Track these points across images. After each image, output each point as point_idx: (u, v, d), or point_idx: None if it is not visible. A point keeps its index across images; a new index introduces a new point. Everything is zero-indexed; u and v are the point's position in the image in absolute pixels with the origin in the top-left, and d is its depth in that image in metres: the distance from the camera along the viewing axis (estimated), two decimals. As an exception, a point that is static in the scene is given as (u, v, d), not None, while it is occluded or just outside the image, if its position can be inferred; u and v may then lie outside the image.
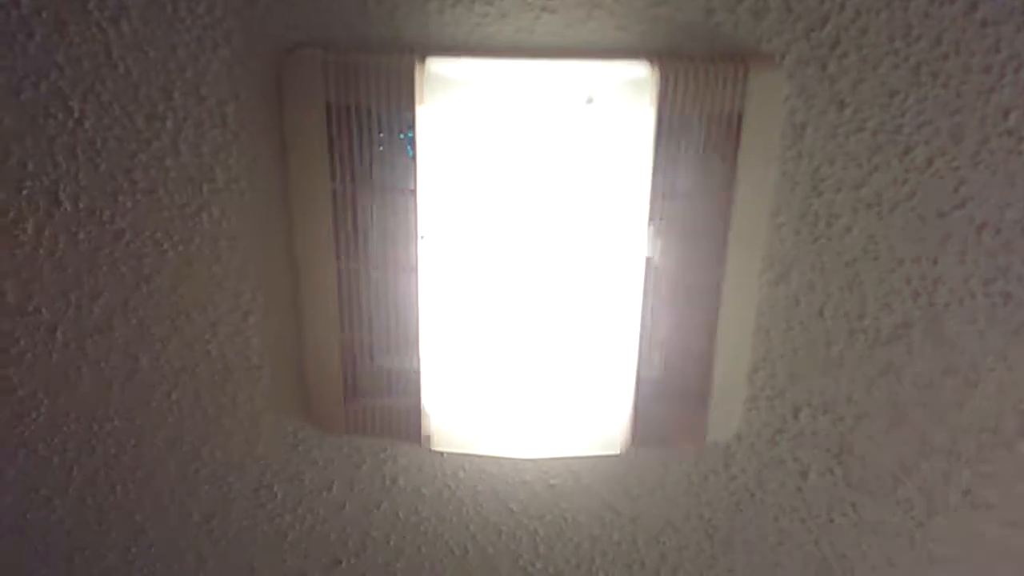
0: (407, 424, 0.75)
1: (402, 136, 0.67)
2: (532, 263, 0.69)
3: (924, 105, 0.67)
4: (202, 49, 0.66)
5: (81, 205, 0.71)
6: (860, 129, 0.68)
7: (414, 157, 0.66)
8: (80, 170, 0.70)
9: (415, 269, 0.70)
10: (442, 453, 0.78)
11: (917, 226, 0.71)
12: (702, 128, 0.66)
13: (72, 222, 0.71)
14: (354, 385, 0.75)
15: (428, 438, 0.75)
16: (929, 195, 0.70)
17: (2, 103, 0.67)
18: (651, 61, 0.64)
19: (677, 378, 0.75)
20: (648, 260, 0.71)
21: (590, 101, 0.63)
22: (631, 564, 0.85)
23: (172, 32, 0.65)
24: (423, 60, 0.64)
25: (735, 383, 0.76)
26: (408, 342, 0.73)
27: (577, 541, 0.85)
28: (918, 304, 0.73)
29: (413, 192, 0.67)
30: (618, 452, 0.75)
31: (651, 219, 0.69)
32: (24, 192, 0.70)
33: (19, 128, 0.68)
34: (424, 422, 0.75)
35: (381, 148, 0.67)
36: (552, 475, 0.82)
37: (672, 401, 0.75)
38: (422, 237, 0.68)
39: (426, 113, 0.64)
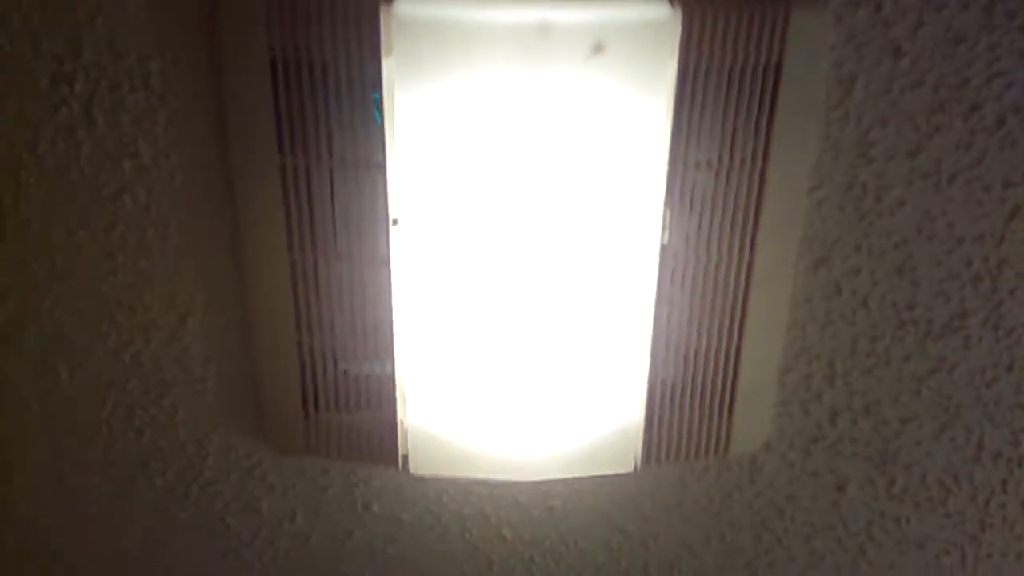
0: (380, 443, 0.64)
1: (366, 97, 0.55)
2: (526, 250, 0.58)
3: (997, 53, 0.56)
4: (115, -9, 0.53)
5: (-25, 188, 0.58)
6: (919, 83, 0.57)
7: (382, 123, 0.54)
8: (-29, 145, 0.57)
9: (386, 260, 0.58)
10: (423, 476, 0.66)
11: (981, 198, 0.60)
12: (732, 83, 0.55)
13: (-35, 209, 0.59)
14: (316, 398, 0.63)
15: (405, 459, 0.64)
16: (997, 162, 0.59)
17: None
18: (672, 1, 0.52)
19: (697, 382, 0.64)
20: (664, 245, 0.59)
21: (597, 50, 0.51)
22: (642, 591, 0.75)
23: (76, -30, 0.53)
24: (390, 0, 0.52)
25: (764, 386, 0.65)
26: (379, 347, 0.61)
27: (579, 569, 0.74)
28: (979, 290, 0.63)
29: (382, 167, 0.56)
30: (629, 470, 0.65)
31: (668, 195, 0.58)
32: (-97, 173, 0.58)
33: None
34: (400, 440, 0.63)
35: (340, 112, 0.55)
36: (551, 496, 0.71)
37: (691, 408, 0.65)
38: (394, 222, 0.57)
39: (395, 67, 0.52)
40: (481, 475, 0.64)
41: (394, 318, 0.60)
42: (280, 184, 0.57)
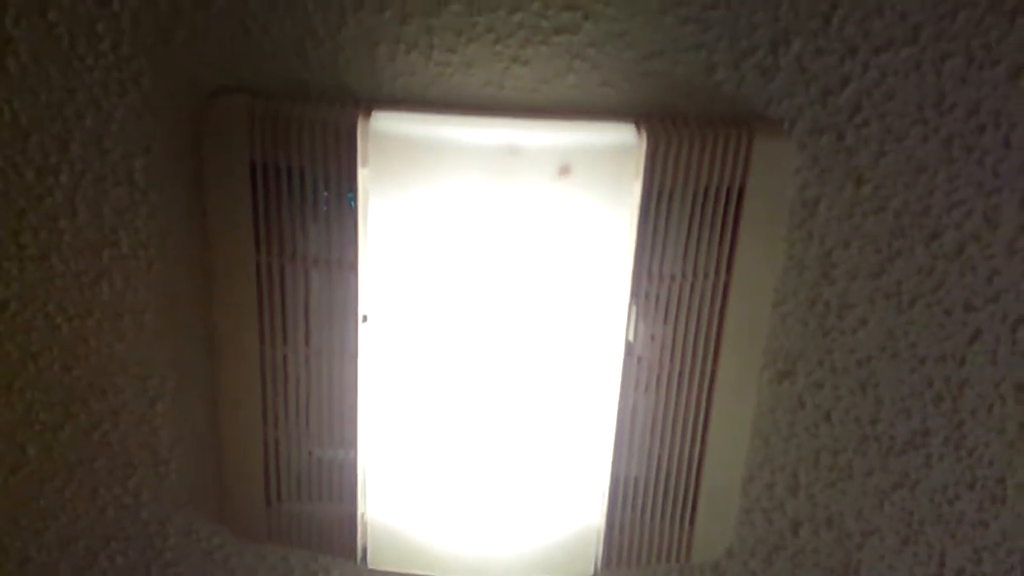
0: (340, 535, 0.64)
1: (342, 202, 0.56)
2: (491, 351, 0.59)
3: (956, 184, 0.57)
4: (105, 93, 0.55)
5: (-43, 269, 0.60)
6: (881, 209, 0.58)
7: (355, 226, 0.56)
8: (-43, 228, 0.58)
9: (355, 355, 0.59)
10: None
11: (942, 321, 0.61)
12: (697, 203, 0.56)
13: (-54, 289, 0.60)
14: (278, 487, 0.64)
15: (365, 552, 0.64)
16: (958, 286, 0.60)
17: None
18: (638, 124, 0.54)
19: (659, 487, 0.64)
20: (629, 348, 0.60)
21: (564, 172, 0.53)
22: None
23: (69, 72, 0.55)
24: (368, 114, 0.53)
25: (727, 493, 0.65)
26: (344, 439, 0.62)
27: (540, 667, 0.73)
28: (940, 409, 0.64)
29: (353, 267, 0.57)
30: (589, 575, 0.64)
31: (633, 302, 0.59)
32: None
33: None
34: (360, 533, 0.63)
35: (316, 215, 0.57)
36: (512, 594, 0.70)
37: (653, 513, 0.65)
38: (364, 319, 0.58)
39: (370, 176, 0.54)
40: (439, 574, 0.64)
41: (359, 412, 0.61)
42: (255, 280, 0.58)
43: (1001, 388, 0.63)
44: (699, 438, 0.63)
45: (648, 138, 0.53)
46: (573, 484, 0.63)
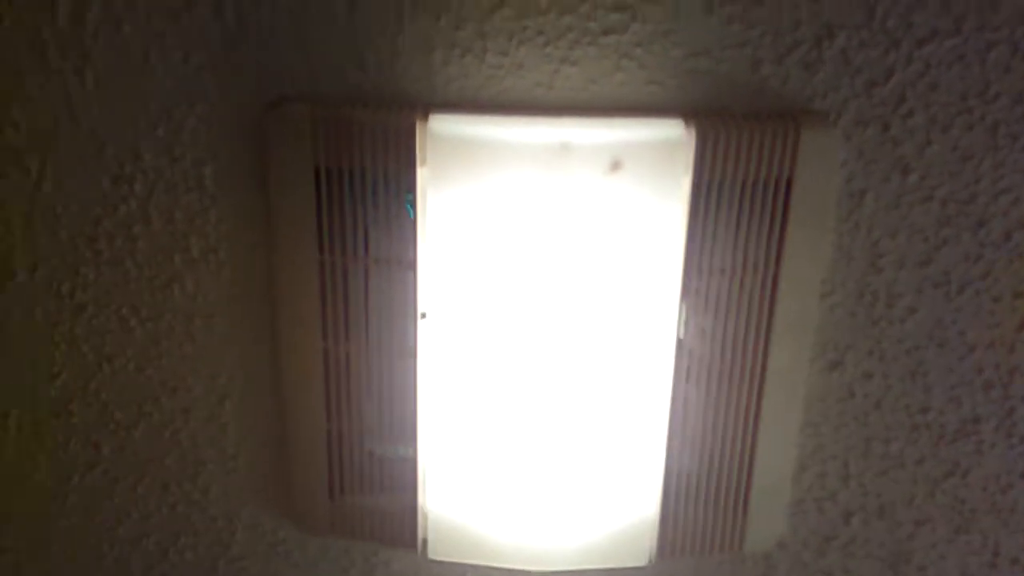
0: (401, 527, 0.66)
1: (401, 202, 0.58)
2: (547, 346, 0.60)
3: (1001, 171, 0.58)
4: (176, 104, 0.58)
5: (37, 276, 0.63)
6: (927, 198, 0.59)
7: (414, 226, 0.58)
8: (37, 237, 0.62)
9: (414, 352, 0.61)
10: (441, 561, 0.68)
11: (991, 308, 0.62)
12: (745, 197, 0.58)
13: (27, 295, 0.63)
14: (341, 481, 0.66)
15: (425, 543, 0.65)
16: (1005, 273, 0.61)
17: (-50, 161, 0.60)
18: (687, 120, 0.56)
19: (712, 478, 0.65)
20: (680, 342, 0.62)
21: (615, 168, 0.55)
22: None
23: (142, 84, 0.57)
24: (426, 117, 0.56)
25: (779, 484, 0.66)
26: (404, 434, 0.64)
27: (596, 659, 0.74)
28: (990, 397, 0.64)
29: (412, 265, 0.59)
30: (644, 564, 0.66)
31: (684, 296, 0.60)
32: (-26, 260, 0.62)
33: (-31, 189, 0.60)
34: (421, 525, 0.65)
35: (376, 215, 0.59)
36: (568, 585, 0.72)
37: (706, 504, 0.66)
38: (422, 316, 0.60)
39: (428, 176, 0.56)
40: (498, 563, 0.65)
41: (418, 407, 0.63)
42: (318, 280, 0.60)
43: (1052, 375, 0.63)
44: (750, 430, 0.64)
45: (696, 133, 0.55)
46: (628, 476, 0.64)
